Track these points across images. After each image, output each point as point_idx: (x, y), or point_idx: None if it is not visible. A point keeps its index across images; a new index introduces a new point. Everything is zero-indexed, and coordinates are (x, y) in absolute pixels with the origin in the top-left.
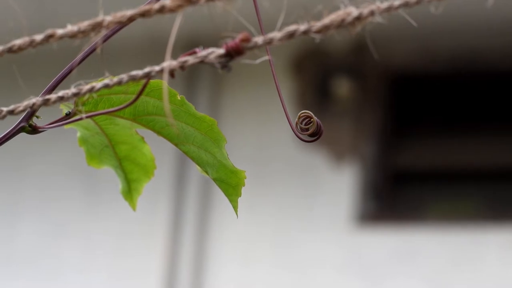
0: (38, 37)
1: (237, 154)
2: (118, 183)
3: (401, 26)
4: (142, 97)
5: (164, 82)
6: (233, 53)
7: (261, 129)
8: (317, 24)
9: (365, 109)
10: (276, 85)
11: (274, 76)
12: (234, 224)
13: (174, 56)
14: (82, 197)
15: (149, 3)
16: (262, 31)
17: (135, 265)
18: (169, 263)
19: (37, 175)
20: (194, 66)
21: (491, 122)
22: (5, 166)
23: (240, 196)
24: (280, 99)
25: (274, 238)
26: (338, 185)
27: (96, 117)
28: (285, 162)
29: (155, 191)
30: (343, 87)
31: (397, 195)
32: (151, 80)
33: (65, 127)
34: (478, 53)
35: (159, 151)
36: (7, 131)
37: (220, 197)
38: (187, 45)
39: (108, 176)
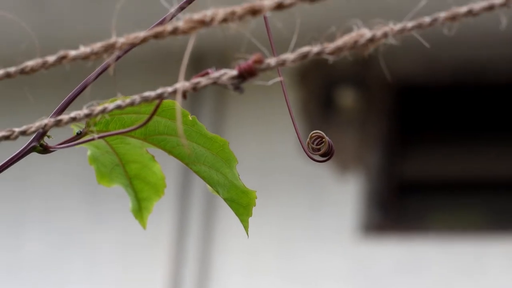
0: (51, 58)
1: (241, 165)
2: (124, 194)
3: (405, 36)
4: (154, 117)
5: (177, 103)
6: (245, 75)
7: (265, 139)
8: (330, 46)
9: (370, 119)
10: (288, 108)
11: (286, 99)
12: (238, 234)
13: (177, 71)
14: (87, 207)
15: (161, 23)
16: (274, 52)
17: (140, 275)
18: (174, 274)
19: (42, 185)
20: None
21: (495, 133)
22: (10, 176)
23: (251, 216)
24: (293, 123)
25: (278, 249)
26: (343, 195)
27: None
28: (290, 173)
29: (160, 201)
30: (347, 97)
31: (402, 205)
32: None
33: (76, 146)
34: (482, 64)
35: (163, 161)
36: (18, 151)
37: (224, 208)
38: (194, 58)
39: (114, 187)
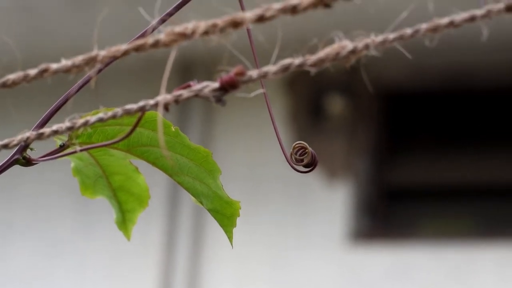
0: (32, 71)
1: (230, 174)
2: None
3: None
4: (137, 128)
5: (159, 115)
6: (227, 87)
7: (254, 148)
8: (312, 58)
9: (358, 127)
10: (272, 120)
11: (270, 112)
12: (228, 243)
13: (168, 83)
14: (75, 217)
15: (141, 36)
16: (257, 65)
17: (129, 285)
18: (163, 283)
19: (30, 195)
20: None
21: (484, 139)
22: None
23: (235, 227)
24: (277, 134)
25: (268, 257)
26: (332, 203)
27: None
28: (279, 181)
29: (149, 211)
30: (336, 105)
31: (391, 212)
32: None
33: (59, 159)
34: (469, 70)
35: (151, 170)
36: (1, 164)
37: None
38: (181, 68)
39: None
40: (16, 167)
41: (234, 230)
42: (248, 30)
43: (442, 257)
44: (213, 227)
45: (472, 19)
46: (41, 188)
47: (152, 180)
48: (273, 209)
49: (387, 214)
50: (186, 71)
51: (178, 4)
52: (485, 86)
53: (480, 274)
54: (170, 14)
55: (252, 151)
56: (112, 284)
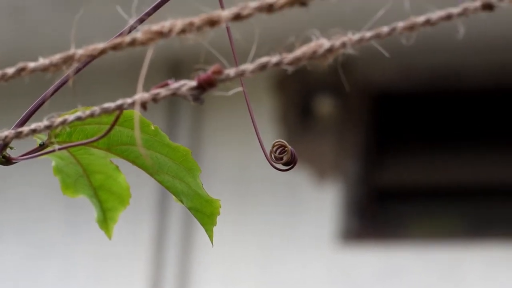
0: (10, 70)
1: (219, 173)
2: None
3: (381, 43)
4: (116, 127)
5: (136, 113)
6: (205, 86)
7: (243, 148)
8: (289, 56)
9: (347, 127)
10: (251, 116)
11: (249, 107)
12: (217, 244)
13: (154, 79)
14: (62, 218)
15: (120, 35)
16: (236, 63)
17: (117, 285)
18: (153, 283)
19: (16, 196)
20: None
21: (472, 140)
22: None
23: (215, 225)
24: (256, 131)
25: (258, 258)
26: (321, 203)
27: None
28: (268, 181)
29: (139, 212)
30: (325, 105)
31: (381, 212)
32: (125, 110)
33: (44, 157)
34: (458, 71)
35: (139, 171)
36: None
37: None
38: (171, 66)
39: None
40: (4, 170)
41: (224, 230)
42: (227, 29)
43: (431, 257)
44: (203, 228)
45: (449, 17)
46: (29, 189)
47: (141, 180)
48: (263, 210)
49: (376, 215)
50: (175, 70)
51: (156, 4)
52: (473, 86)
53: (469, 274)
54: (149, 14)
55: (241, 152)
56: (101, 285)
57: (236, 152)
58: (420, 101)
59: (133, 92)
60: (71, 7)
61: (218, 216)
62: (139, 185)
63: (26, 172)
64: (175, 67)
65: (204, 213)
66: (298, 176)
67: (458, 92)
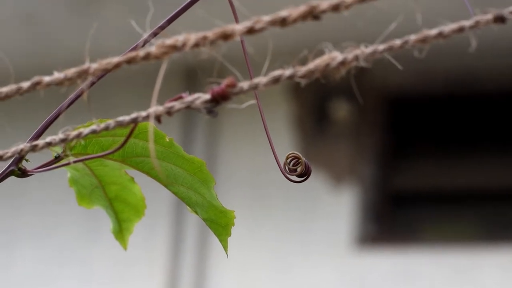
0: (25, 84)
1: (235, 179)
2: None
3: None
4: (131, 139)
5: (150, 126)
6: (219, 99)
7: (259, 153)
8: (302, 69)
9: (363, 131)
10: (265, 128)
11: (263, 120)
12: (233, 250)
13: (169, 91)
14: (80, 224)
15: (134, 49)
16: (250, 75)
17: None
18: None
19: (35, 201)
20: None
21: (489, 143)
22: (1, 192)
23: (230, 236)
24: (270, 143)
25: (273, 263)
26: (337, 207)
27: None
28: (283, 186)
29: (155, 218)
30: (341, 110)
31: (396, 217)
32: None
33: (58, 169)
34: (474, 74)
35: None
36: None
37: None
38: (187, 76)
39: None
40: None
41: (240, 236)
42: (242, 42)
43: (447, 262)
44: None
45: (461, 30)
46: (47, 195)
47: (157, 188)
48: (278, 215)
49: (392, 219)
50: (190, 82)
51: (170, 17)
52: (489, 91)
53: (485, 279)
54: (162, 27)
55: (257, 162)
56: None
57: (251, 158)
58: (436, 105)
59: (148, 104)
60: (85, 14)
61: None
62: (155, 193)
63: (43, 178)
64: (189, 78)
65: (219, 224)
66: (314, 181)
67: (474, 95)
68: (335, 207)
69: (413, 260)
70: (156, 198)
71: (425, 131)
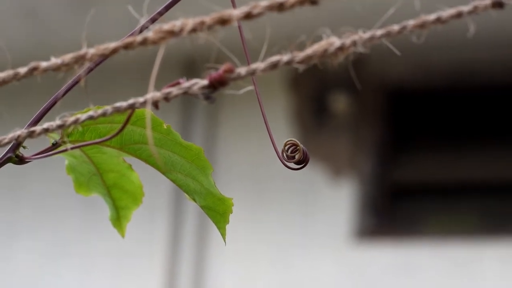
0: (22, 70)
1: (234, 172)
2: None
3: (397, 40)
4: (129, 126)
5: (148, 112)
6: (216, 84)
7: (257, 146)
8: (300, 55)
9: (363, 124)
10: (263, 114)
11: (261, 106)
12: (232, 242)
13: (167, 78)
14: (80, 217)
15: (131, 35)
16: (248, 61)
17: (134, 284)
18: (168, 283)
19: (34, 193)
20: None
21: (488, 136)
22: (1, 185)
23: (228, 223)
24: (268, 129)
25: (272, 255)
26: (337, 201)
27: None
28: (282, 179)
29: (154, 209)
30: (340, 102)
31: (396, 210)
32: (137, 109)
33: (54, 156)
34: (475, 67)
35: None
36: None
37: None
38: (184, 64)
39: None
40: (22, 167)
41: (239, 228)
42: (239, 27)
43: (447, 254)
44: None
45: (459, 15)
46: (47, 187)
47: (156, 178)
48: (277, 208)
49: (392, 212)
50: (188, 69)
51: (168, 4)
52: (489, 83)
53: (485, 271)
54: (160, 13)
55: (256, 150)
56: (118, 283)
57: (251, 150)
58: (436, 98)
59: (145, 91)
60: (85, 8)
61: (231, 214)
62: (154, 184)
63: (43, 170)
64: (188, 66)
65: (217, 211)
66: (313, 174)
67: (474, 88)
68: (334, 200)
69: (412, 253)
70: (155, 187)
71: (424, 124)
